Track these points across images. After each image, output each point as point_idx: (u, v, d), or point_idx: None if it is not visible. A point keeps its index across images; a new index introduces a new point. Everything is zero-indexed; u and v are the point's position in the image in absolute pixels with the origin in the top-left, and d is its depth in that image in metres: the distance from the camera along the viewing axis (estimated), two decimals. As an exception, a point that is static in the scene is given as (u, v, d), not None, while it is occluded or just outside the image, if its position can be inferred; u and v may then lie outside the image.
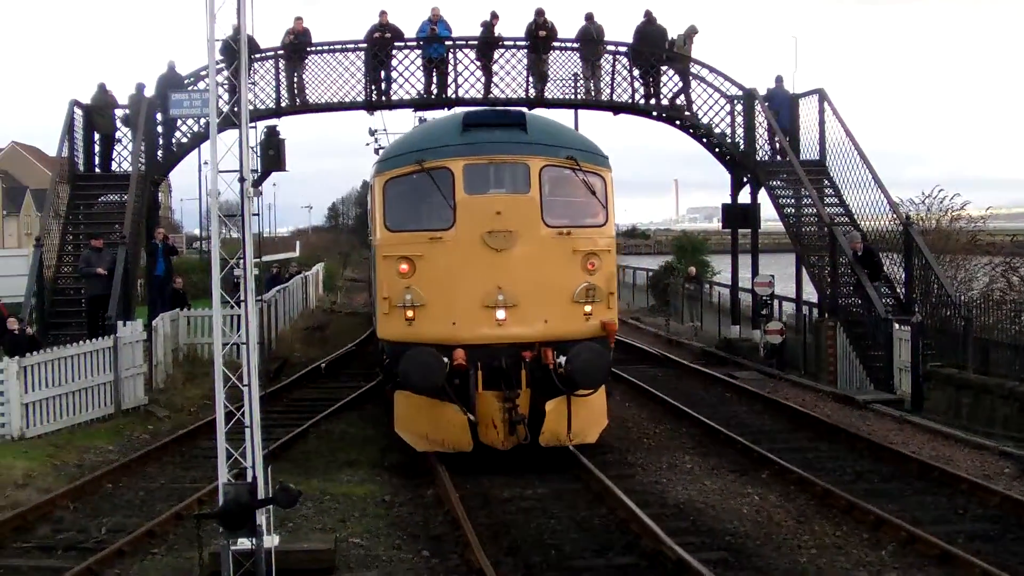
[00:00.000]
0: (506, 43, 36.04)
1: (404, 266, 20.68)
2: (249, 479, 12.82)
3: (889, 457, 20.83)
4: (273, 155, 30.26)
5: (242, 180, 13.15)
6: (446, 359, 19.95)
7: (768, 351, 33.80)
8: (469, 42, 36.11)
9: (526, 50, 36.11)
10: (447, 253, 20.53)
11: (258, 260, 13.58)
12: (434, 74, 35.88)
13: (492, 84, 35.80)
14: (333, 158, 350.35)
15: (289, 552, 14.02)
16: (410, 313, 20.46)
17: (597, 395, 21.15)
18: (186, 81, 34.45)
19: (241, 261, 13.24)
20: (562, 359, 20.09)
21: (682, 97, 36.34)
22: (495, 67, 35.86)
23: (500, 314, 20.39)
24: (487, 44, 35.60)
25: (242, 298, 13.24)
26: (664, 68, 36.64)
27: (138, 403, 26.27)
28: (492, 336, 20.38)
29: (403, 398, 20.96)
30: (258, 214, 13.56)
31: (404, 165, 21.33)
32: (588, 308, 20.69)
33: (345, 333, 42.63)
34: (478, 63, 35.81)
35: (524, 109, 24.02)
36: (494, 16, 35.68)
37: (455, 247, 20.54)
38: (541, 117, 23.48)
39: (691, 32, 36.83)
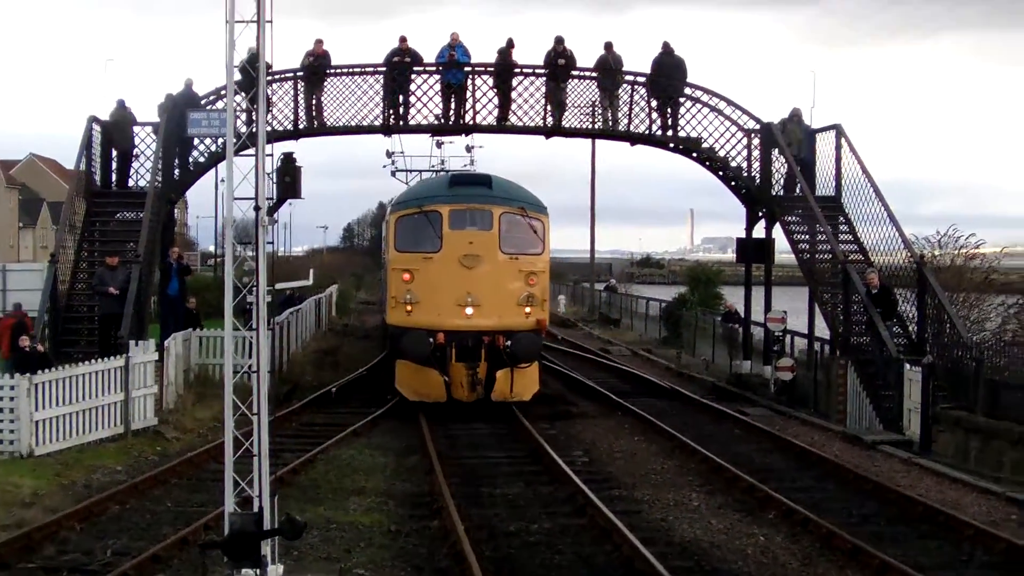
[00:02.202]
0: (524, 71, 36.16)
1: (406, 275, 30.22)
2: (255, 508, 12.83)
3: (896, 500, 20.77)
4: (289, 182, 31.43)
5: (257, 209, 13.19)
6: (432, 339, 29.45)
7: (779, 387, 33.78)
8: (488, 68, 36.24)
9: (544, 78, 36.24)
10: (435, 268, 30.08)
11: (271, 288, 13.62)
12: (452, 99, 36.01)
13: (510, 112, 35.94)
14: (350, 178, 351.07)
15: (293, 582, 13.99)
16: (409, 307, 29.99)
17: (532, 368, 30.57)
18: (203, 101, 34.54)
19: (254, 288, 13.28)
20: (508, 343, 29.48)
21: (800, 185, 35.00)
22: (513, 95, 35.99)
23: (469, 311, 29.84)
24: (504, 71, 35.70)
25: (254, 326, 13.28)
26: (682, 100, 36.65)
27: (148, 423, 26.30)
28: (463, 325, 29.79)
29: (402, 365, 30.46)
30: (272, 242, 13.61)
31: (410, 208, 31.30)
32: (528, 309, 30.14)
33: (357, 357, 42.65)
34: (496, 90, 35.98)
35: (491, 173, 33.14)
36: (510, 44, 35.82)
37: (441, 264, 30.07)
38: (502, 179, 32.33)
39: (796, 114, 36.37)
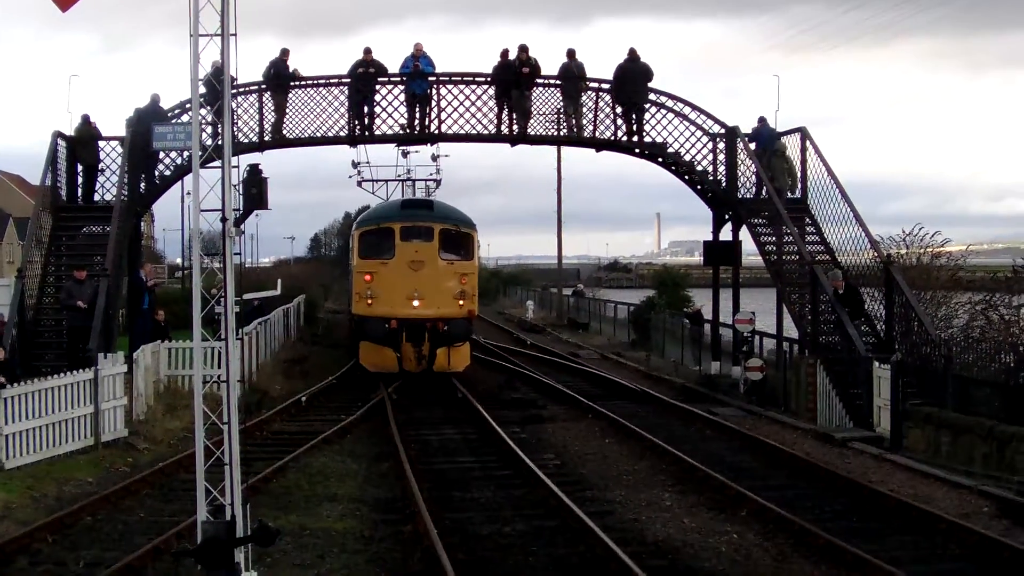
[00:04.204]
0: (489, 79, 36.28)
1: (368, 277, 37.88)
2: (228, 516, 12.80)
3: (868, 495, 20.84)
4: (256, 193, 31.66)
5: (224, 220, 13.15)
6: (387, 324, 36.83)
7: (748, 388, 33.88)
8: (452, 78, 36.40)
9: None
10: (390, 271, 37.72)
11: (239, 299, 13.58)
12: (416, 109, 36.10)
13: (477, 119, 36.26)
14: (316, 189, 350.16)
15: (267, 589, 13.95)
16: (370, 301, 37.45)
17: (464, 346, 39.00)
18: (169, 115, 34.40)
19: (222, 300, 13.23)
20: (446, 327, 36.92)
21: (766, 187, 35.18)
22: (479, 103, 36.22)
23: (416, 303, 37.14)
24: (505, 82, 36.05)
25: (222, 337, 13.24)
26: (647, 106, 36.78)
27: (118, 435, 26.15)
28: (411, 314, 37.09)
29: (364, 344, 38.67)
30: (239, 253, 13.55)
31: (370, 225, 39.46)
32: (461, 302, 37.53)
33: (326, 367, 42.57)
34: (460, 99, 36.23)
35: (433, 198, 45.30)
36: (505, 53, 36.14)
37: (394, 268, 37.66)
38: (442, 203, 41.69)
39: (780, 148, 36.26)
